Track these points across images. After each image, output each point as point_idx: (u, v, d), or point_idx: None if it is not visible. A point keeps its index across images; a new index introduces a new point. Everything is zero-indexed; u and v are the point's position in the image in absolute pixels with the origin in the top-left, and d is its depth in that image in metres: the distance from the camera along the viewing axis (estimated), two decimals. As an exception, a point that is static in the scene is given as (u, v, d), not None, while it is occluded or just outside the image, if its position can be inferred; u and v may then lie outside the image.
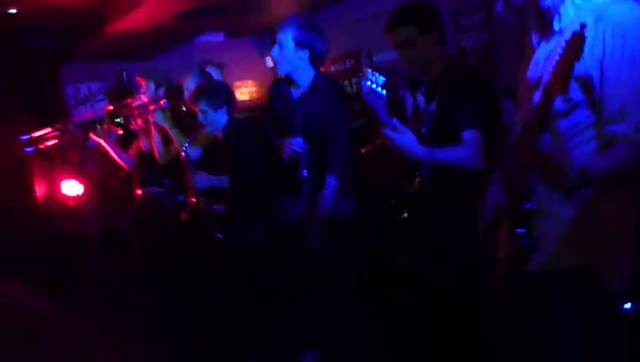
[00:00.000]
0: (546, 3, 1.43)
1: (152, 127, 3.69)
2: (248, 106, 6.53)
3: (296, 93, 2.92)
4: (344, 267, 2.83)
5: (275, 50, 2.82)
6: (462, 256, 2.18)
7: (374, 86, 2.31)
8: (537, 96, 1.44)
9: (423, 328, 2.53)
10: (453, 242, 2.25)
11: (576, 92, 1.39)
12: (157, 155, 3.72)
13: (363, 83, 2.33)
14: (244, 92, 6.58)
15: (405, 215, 2.88)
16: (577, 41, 1.26)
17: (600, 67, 1.35)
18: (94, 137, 3.86)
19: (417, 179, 2.50)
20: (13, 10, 4.24)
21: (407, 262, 2.72)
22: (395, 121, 2.26)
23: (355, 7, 5.32)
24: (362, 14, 5.26)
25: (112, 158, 4.01)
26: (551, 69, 1.39)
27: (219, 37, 6.15)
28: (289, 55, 2.77)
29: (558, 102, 1.38)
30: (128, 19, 4.52)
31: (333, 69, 5.87)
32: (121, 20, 4.56)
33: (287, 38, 2.76)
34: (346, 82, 5.69)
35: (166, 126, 3.55)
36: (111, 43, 5.25)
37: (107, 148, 3.94)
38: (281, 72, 2.87)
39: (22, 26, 4.74)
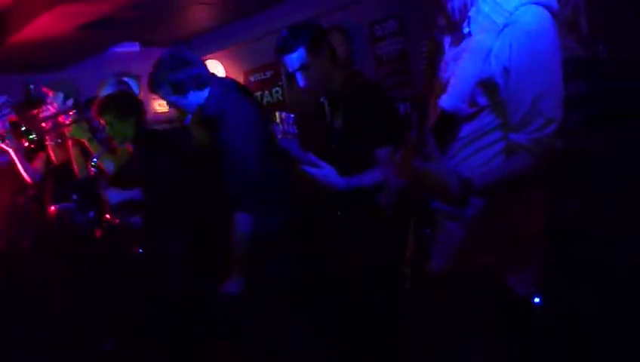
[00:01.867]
0: (456, 7, 1.44)
1: (69, 141, 3.56)
2: (168, 117, 6.38)
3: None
4: (274, 286, 2.62)
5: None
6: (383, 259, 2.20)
7: (285, 126, 2.33)
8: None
9: (347, 330, 2.54)
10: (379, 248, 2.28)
11: (480, 96, 1.41)
12: (76, 170, 3.58)
13: (275, 127, 2.34)
14: (163, 103, 6.39)
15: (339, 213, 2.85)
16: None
17: (505, 73, 1.37)
18: (3, 146, 3.65)
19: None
20: None
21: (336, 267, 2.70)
22: (311, 156, 2.29)
23: (269, 20, 5.34)
24: (278, 26, 5.27)
25: (18, 172, 3.81)
26: (458, 73, 1.42)
27: (134, 47, 5.97)
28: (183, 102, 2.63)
29: (463, 107, 1.40)
30: (32, 28, 4.30)
31: (252, 79, 5.83)
32: (24, 30, 4.33)
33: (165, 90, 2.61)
34: (266, 92, 5.68)
35: (83, 139, 3.42)
36: (16, 54, 4.98)
37: (15, 159, 3.74)
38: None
39: None
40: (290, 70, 2.43)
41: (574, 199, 2.55)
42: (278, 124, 2.34)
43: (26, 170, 3.81)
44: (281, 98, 5.51)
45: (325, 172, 2.29)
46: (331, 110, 2.56)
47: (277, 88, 5.52)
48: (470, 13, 1.43)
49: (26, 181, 3.85)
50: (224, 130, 2.53)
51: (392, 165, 1.55)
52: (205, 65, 2.70)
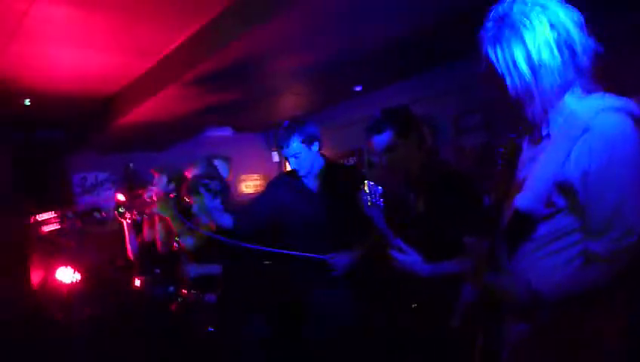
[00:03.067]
0: (536, 113, 1.43)
1: (156, 218, 3.73)
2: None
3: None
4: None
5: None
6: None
7: (373, 197, 2.37)
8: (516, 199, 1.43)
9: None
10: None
11: (558, 197, 1.38)
12: (159, 245, 3.73)
13: (364, 196, 2.38)
14: (249, 185, 6.68)
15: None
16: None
17: (584, 178, 1.34)
18: (120, 218, 3.87)
19: None
20: (27, 102, 4.42)
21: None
22: (398, 241, 2.31)
23: (353, 109, 5.53)
24: (361, 115, 5.44)
25: (121, 245, 4.01)
26: (535, 173, 1.40)
27: (226, 131, 6.33)
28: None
29: (539, 207, 1.38)
30: (137, 112, 4.68)
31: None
32: (129, 114, 4.72)
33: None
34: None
35: (167, 216, 3.58)
36: (119, 134, 5.41)
37: (126, 232, 3.97)
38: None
39: (33, 118, 4.92)
40: (377, 150, 2.51)
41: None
42: (366, 193, 2.37)
43: (131, 244, 4.02)
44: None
45: (412, 259, 2.27)
46: (414, 196, 2.57)
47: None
48: (550, 116, 1.43)
49: (117, 251, 4.05)
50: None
51: (467, 275, 1.53)
52: None
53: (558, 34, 1.37)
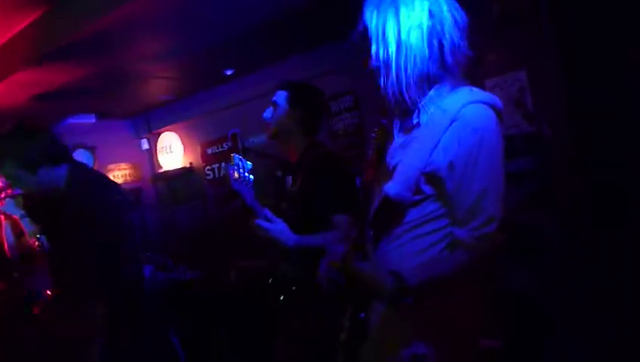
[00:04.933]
0: (407, 97, 1.44)
1: (2, 217, 3.38)
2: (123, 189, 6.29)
3: None
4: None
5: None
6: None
7: (241, 171, 2.35)
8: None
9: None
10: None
11: (425, 185, 1.42)
12: (6, 248, 3.38)
13: (230, 169, 2.36)
14: (118, 175, 6.33)
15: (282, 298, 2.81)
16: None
17: (450, 167, 1.38)
18: None
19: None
20: None
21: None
22: (266, 211, 2.33)
23: (225, 95, 5.43)
24: (232, 100, 5.36)
25: None
26: (404, 161, 1.43)
27: (90, 119, 5.93)
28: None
29: (408, 195, 1.41)
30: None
31: (209, 151, 5.84)
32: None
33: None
34: (224, 164, 5.67)
35: (16, 216, 3.25)
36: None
37: None
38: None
39: None
40: (266, 118, 2.53)
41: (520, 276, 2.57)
42: (233, 166, 2.36)
43: None
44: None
45: (278, 227, 2.31)
46: (291, 175, 2.57)
47: (224, 164, 5.53)
48: (420, 105, 1.46)
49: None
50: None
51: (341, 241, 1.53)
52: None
53: (433, 24, 1.40)
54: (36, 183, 2.35)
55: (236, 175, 2.37)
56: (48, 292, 3.06)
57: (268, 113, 2.54)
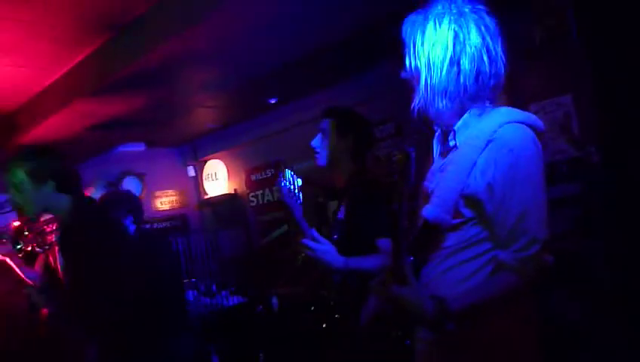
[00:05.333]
0: (444, 121, 1.47)
1: (56, 247, 3.50)
2: (168, 215, 6.45)
3: None
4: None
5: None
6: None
7: (292, 186, 2.38)
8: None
9: None
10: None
11: (465, 208, 1.41)
12: (60, 273, 3.50)
13: (282, 183, 2.38)
14: (165, 201, 6.50)
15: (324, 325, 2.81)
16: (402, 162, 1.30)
17: (489, 189, 1.36)
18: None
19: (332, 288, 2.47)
20: None
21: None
22: (313, 231, 2.30)
23: (270, 123, 5.51)
24: (276, 128, 5.46)
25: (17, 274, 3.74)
26: (442, 184, 1.43)
27: (139, 147, 6.13)
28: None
29: (447, 218, 1.40)
30: (42, 128, 4.44)
31: (254, 178, 5.93)
32: (33, 130, 4.47)
33: None
34: (267, 190, 5.76)
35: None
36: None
37: (11, 264, 3.68)
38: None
39: None
40: (314, 144, 2.54)
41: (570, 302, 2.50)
42: (285, 180, 2.37)
43: (25, 274, 3.74)
44: (277, 198, 5.58)
45: (326, 248, 2.27)
46: (337, 201, 2.59)
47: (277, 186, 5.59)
48: (456, 127, 1.46)
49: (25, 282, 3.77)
50: None
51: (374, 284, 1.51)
52: None
53: (458, 44, 1.41)
54: (36, 198, 2.38)
55: (287, 189, 2.37)
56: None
57: (316, 141, 2.56)
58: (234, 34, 3.29)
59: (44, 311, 3.57)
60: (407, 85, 1.51)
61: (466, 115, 1.46)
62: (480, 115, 1.45)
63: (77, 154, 5.81)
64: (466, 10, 1.44)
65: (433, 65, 1.43)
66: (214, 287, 5.03)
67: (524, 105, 3.22)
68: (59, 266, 3.43)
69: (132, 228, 3.16)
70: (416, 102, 1.47)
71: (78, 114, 4.33)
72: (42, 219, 3.60)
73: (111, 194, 3.44)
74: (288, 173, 2.40)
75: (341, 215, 2.53)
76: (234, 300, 4.93)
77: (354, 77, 4.54)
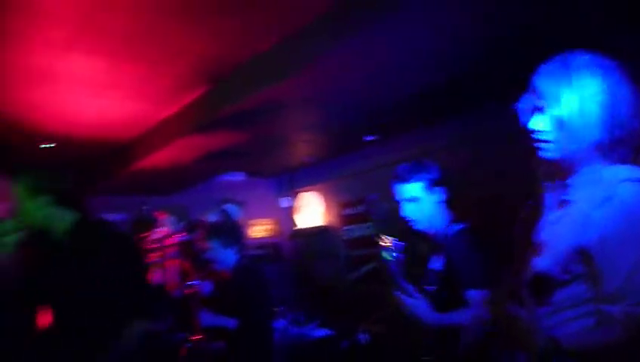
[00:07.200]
0: (568, 169, 1.46)
1: (168, 261, 3.73)
2: (263, 243, 6.66)
3: None
4: None
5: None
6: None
7: (395, 254, 2.40)
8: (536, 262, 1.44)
9: None
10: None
11: (575, 264, 1.40)
12: (171, 289, 3.73)
13: (387, 252, 2.40)
14: (260, 230, 6.72)
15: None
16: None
17: (601, 244, 1.35)
18: None
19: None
20: (46, 146, 4.54)
21: None
22: (411, 287, 2.33)
23: (364, 159, 5.58)
24: (371, 165, 5.52)
25: None
26: (555, 237, 1.42)
27: (240, 177, 6.41)
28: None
29: (557, 271, 1.39)
30: (154, 158, 4.78)
31: (346, 212, 6.00)
32: (146, 159, 4.81)
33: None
34: (356, 226, 5.81)
35: (183, 260, 3.59)
36: (135, 178, 5.51)
37: None
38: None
39: (52, 161, 5.04)
40: (400, 197, 2.51)
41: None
42: (390, 249, 2.40)
43: None
44: (368, 234, 5.60)
45: (419, 303, 2.29)
46: (428, 251, 2.58)
47: (369, 224, 5.63)
48: (575, 179, 1.45)
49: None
50: None
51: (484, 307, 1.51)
52: None
53: (607, 97, 1.40)
54: (33, 209, 2.37)
55: (393, 258, 2.39)
56: (195, 337, 3.32)
57: (406, 211, 2.50)
58: (329, 84, 3.42)
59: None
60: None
61: (586, 168, 1.44)
62: (602, 169, 1.43)
63: (182, 182, 6.20)
64: (608, 62, 1.43)
65: (582, 118, 1.41)
66: (303, 318, 5.09)
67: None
68: (169, 279, 3.67)
69: (235, 258, 3.32)
70: (547, 148, 1.47)
71: (186, 147, 4.62)
72: (150, 237, 3.87)
73: (220, 222, 3.63)
74: (389, 239, 2.40)
75: (437, 265, 2.51)
76: (321, 332, 4.97)
77: (450, 118, 4.54)
